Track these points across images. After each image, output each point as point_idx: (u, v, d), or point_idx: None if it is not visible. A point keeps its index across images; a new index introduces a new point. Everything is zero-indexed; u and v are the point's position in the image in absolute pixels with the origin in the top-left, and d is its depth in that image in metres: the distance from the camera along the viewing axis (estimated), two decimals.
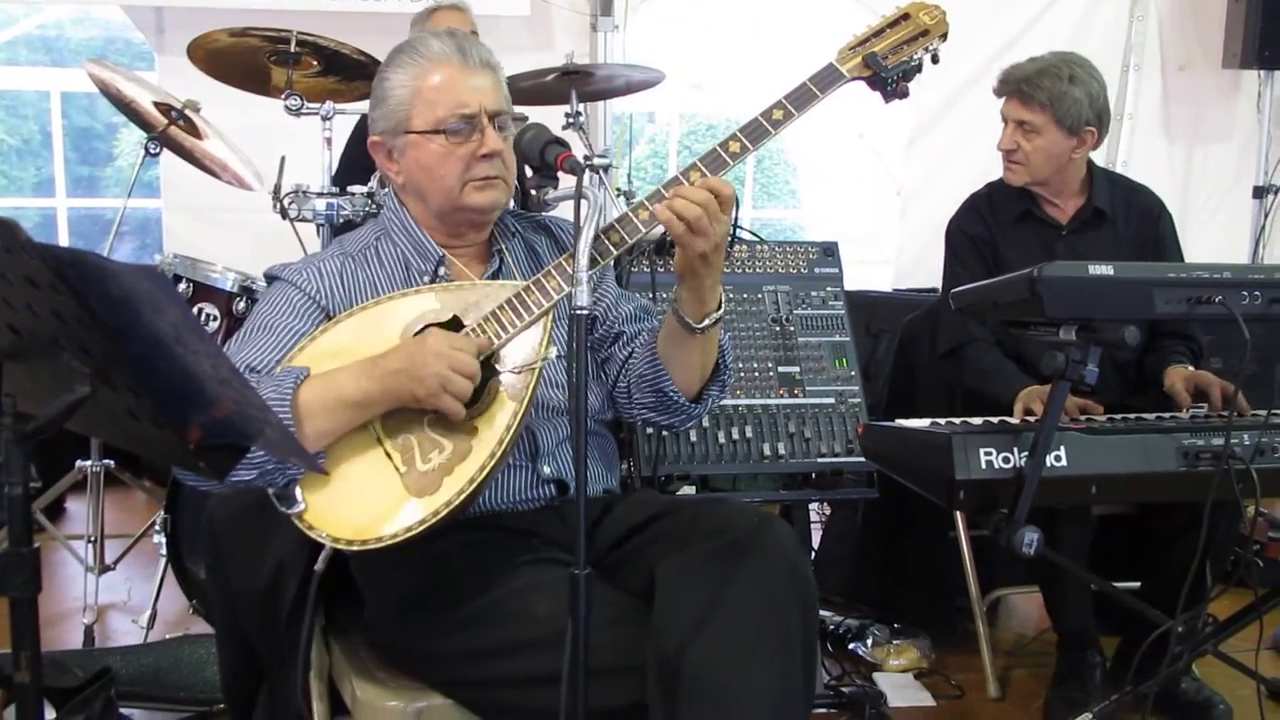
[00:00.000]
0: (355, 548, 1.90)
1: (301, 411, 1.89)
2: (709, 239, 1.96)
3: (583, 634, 1.65)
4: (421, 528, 1.89)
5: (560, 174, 1.97)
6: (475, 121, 2.12)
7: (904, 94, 2.16)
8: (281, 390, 1.90)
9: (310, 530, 1.91)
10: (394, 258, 2.22)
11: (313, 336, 2.05)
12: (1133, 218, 3.32)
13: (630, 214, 2.00)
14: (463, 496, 1.91)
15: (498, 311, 2.01)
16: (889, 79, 2.12)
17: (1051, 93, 3.14)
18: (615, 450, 2.37)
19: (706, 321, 2.08)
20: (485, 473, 1.92)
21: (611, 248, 2.02)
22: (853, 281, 4.00)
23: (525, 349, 2.01)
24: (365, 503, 1.92)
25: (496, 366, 2.00)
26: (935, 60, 2.19)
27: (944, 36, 2.18)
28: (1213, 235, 6.01)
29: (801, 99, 2.06)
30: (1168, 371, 3.05)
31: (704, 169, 2.00)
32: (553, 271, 2.03)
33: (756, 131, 2.04)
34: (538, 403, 2.09)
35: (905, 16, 2.18)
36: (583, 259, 1.72)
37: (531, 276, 2.20)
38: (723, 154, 2.02)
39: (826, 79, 2.10)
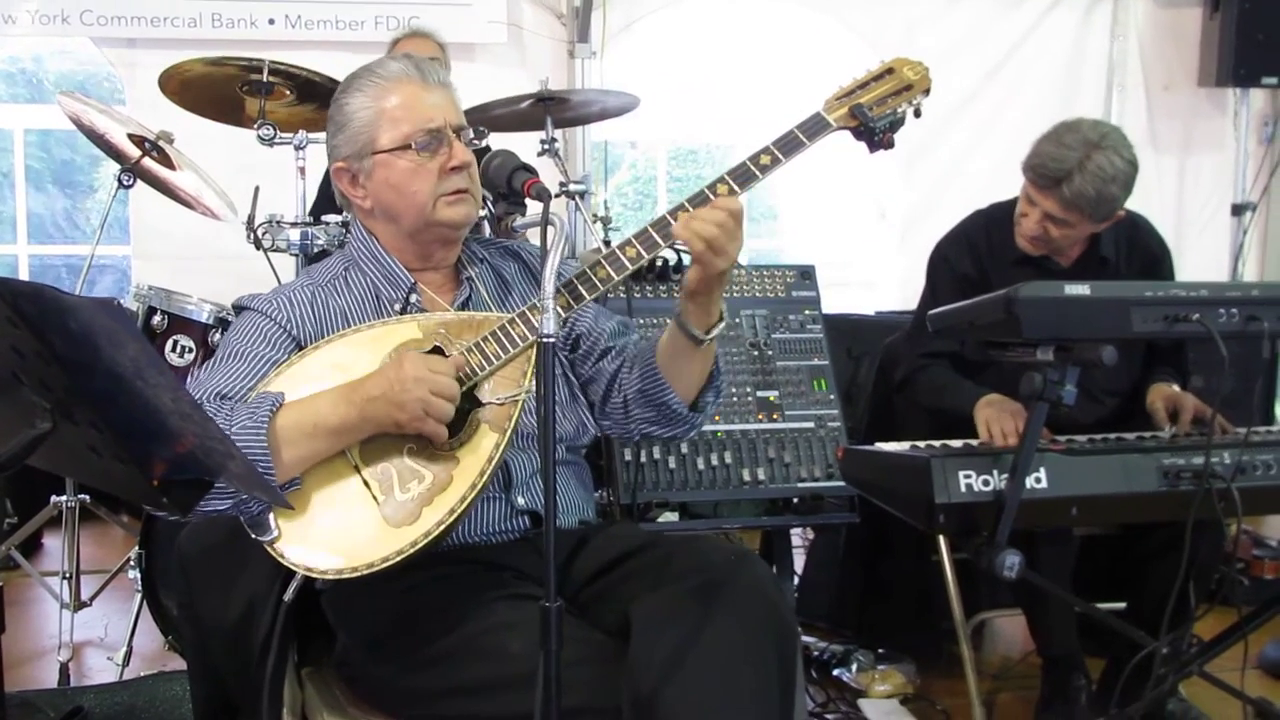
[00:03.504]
0: (330, 577, 1.88)
1: (278, 438, 1.87)
2: (728, 256, 1.96)
3: (555, 668, 1.62)
4: (398, 558, 1.86)
5: (529, 200, 1.96)
6: (442, 135, 2.12)
7: (889, 145, 2.16)
8: (257, 417, 1.87)
9: (283, 558, 1.88)
10: (364, 287, 2.20)
11: (288, 363, 2.02)
12: (1135, 261, 3.24)
13: (618, 251, 2.00)
14: (442, 527, 1.88)
15: (481, 343, 1.99)
16: (875, 130, 2.13)
17: (1094, 199, 2.94)
18: (590, 478, 2.34)
19: (713, 332, 2.07)
20: (465, 503, 1.90)
21: (598, 284, 2.01)
22: (837, 305, 3.99)
23: (508, 381, 1.99)
24: (341, 532, 1.89)
25: (479, 398, 1.98)
26: (918, 114, 2.19)
27: (927, 92, 2.19)
28: (1200, 254, 6.04)
29: (789, 146, 2.06)
30: (1150, 389, 3.04)
31: (691, 210, 1.99)
32: (539, 305, 2.00)
33: (744, 176, 2.03)
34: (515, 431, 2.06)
35: (889, 71, 2.18)
36: (549, 285, 1.70)
37: (500, 302, 2.19)
38: (711, 196, 2.01)
39: (814, 127, 2.10)
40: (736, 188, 2.02)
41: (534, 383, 1.98)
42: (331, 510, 1.91)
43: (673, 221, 1.99)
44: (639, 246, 2.00)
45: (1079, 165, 2.93)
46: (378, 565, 1.86)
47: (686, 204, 2.00)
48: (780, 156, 2.05)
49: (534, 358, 1.99)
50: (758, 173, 2.03)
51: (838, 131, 2.13)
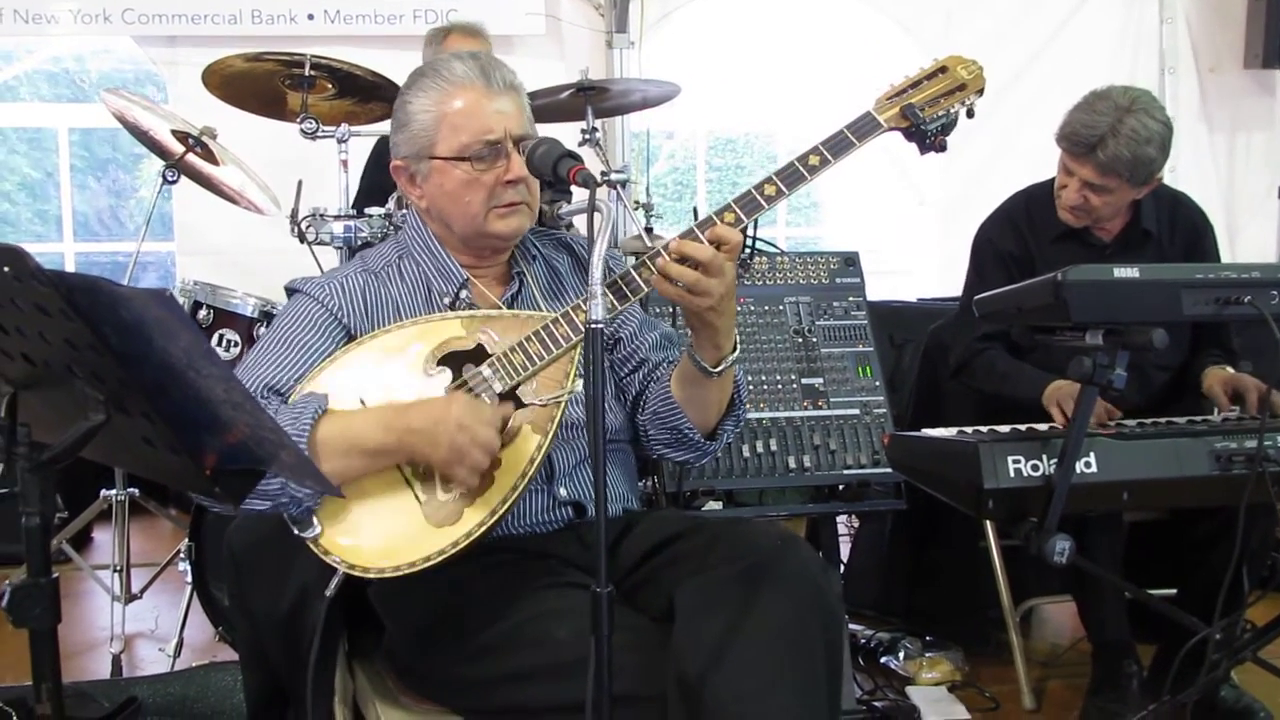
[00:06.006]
0: (371, 575, 1.89)
1: (318, 450, 1.87)
2: (710, 296, 1.92)
3: (607, 654, 1.62)
4: (440, 558, 1.87)
5: (574, 188, 1.95)
6: (500, 147, 2.10)
7: (942, 148, 2.12)
8: (299, 424, 1.88)
9: (326, 555, 1.89)
10: (416, 278, 2.20)
11: (334, 357, 2.03)
12: (1178, 236, 3.23)
13: (663, 250, 1.97)
14: (483, 528, 1.89)
15: (525, 343, 1.98)
16: (927, 132, 2.09)
17: (1131, 162, 2.95)
18: (635, 466, 2.34)
19: (722, 366, 2.05)
20: (507, 505, 1.90)
21: (643, 285, 1.99)
22: (879, 293, 3.97)
23: (551, 382, 1.99)
24: (383, 530, 1.90)
25: (521, 398, 1.98)
26: (970, 115, 2.15)
27: (980, 92, 2.15)
28: (1248, 236, 5.97)
29: (838, 146, 2.04)
30: (1205, 373, 3.01)
31: (739, 211, 1.98)
32: (581, 305, 1.99)
33: (793, 176, 2.01)
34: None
35: (943, 69, 2.15)
36: (596, 271, 1.69)
37: (551, 297, 2.20)
38: (758, 197, 1.99)
39: (864, 128, 2.07)
40: (785, 188, 2.00)
41: (577, 384, 1.98)
42: (373, 509, 1.92)
43: (717, 221, 1.97)
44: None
45: (1112, 129, 2.95)
46: (419, 565, 1.87)
47: (733, 204, 1.98)
48: (829, 157, 2.03)
49: (577, 358, 1.99)
50: (806, 173, 2.01)
51: (889, 132, 2.10)
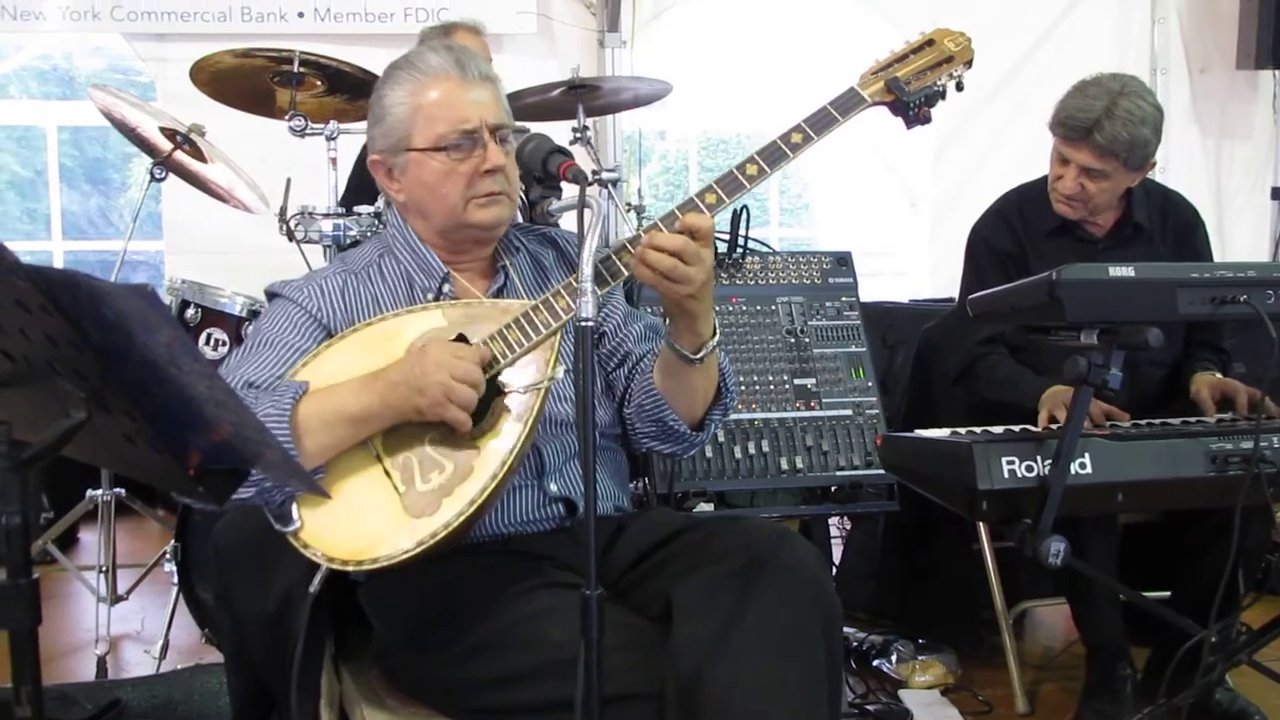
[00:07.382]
0: (351, 568, 1.86)
1: (300, 426, 1.86)
2: (690, 284, 1.90)
3: (596, 657, 1.60)
4: (419, 549, 1.84)
5: (564, 184, 1.93)
6: (477, 136, 2.08)
7: (926, 119, 2.10)
8: (280, 405, 1.87)
9: (305, 549, 1.87)
10: (397, 274, 2.19)
11: (315, 353, 2.01)
12: (1169, 231, 3.23)
13: (645, 234, 1.94)
14: (462, 519, 1.86)
15: (504, 330, 1.96)
16: (911, 104, 2.06)
17: (1128, 143, 2.96)
18: (625, 465, 2.32)
19: (703, 352, 2.03)
20: (486, 494, 1.87)
21: (623, 268, 1.97)
22: (871, 294, 3.95)
23: (532, 369, 1.97)
24: (363, 523, 1.88)
25: (502, 386, 1.96)
26: (960, 88, 2.14)
27: (969, 64, 2.13)
28: (1240, 237, 5.97)
29: (821, 123, 2.01)
30: (1194, 378, 3.00)
31: (720, 191, 1.96)
32: (562, 291, 1.97)
33: (774, 155, 1.98)
34: (545, 418, 2.04)
35: (930, 43, 2.13)
36: (586, 268, 1.67)
37: (536, 290, 2.17)
38: (740, 176, 1.97)
39: (847, 103, 2.04)
40: (767, 167, 1.98)
41: (559, 370, 1.97)
42: (353, 501, 1.90)
43: (699, 204, 1.95)
44: (664, 229, 1.96)
45: (1107, 112, 2.97)
46: (398, 557, 1.84)
47: (715, 185, 1.97)
48: (812, 134, 2.00)
49: (557, 344, 1.97)
50: (789, 151, 1.99)
51: (873, 107, 2.07)
